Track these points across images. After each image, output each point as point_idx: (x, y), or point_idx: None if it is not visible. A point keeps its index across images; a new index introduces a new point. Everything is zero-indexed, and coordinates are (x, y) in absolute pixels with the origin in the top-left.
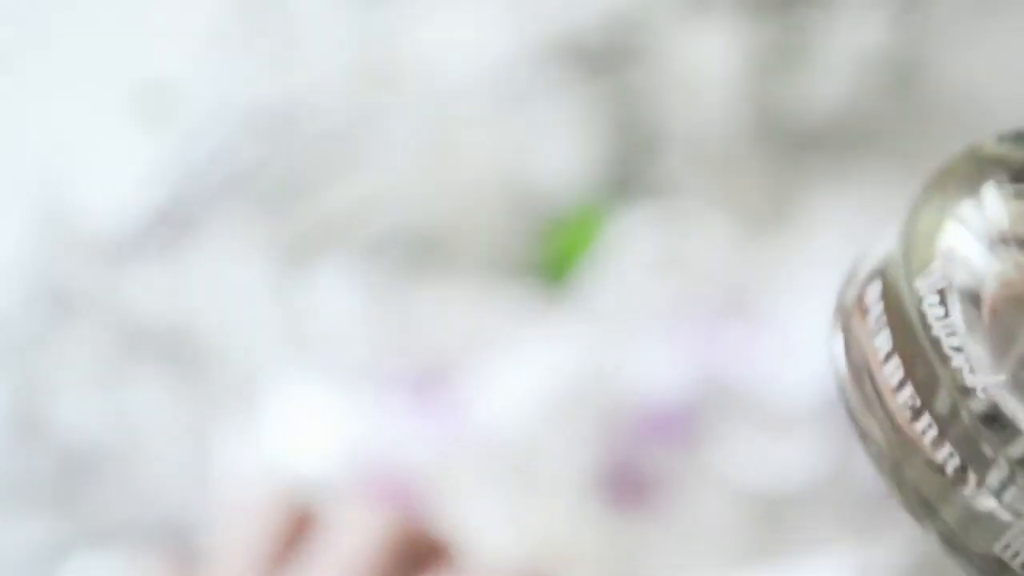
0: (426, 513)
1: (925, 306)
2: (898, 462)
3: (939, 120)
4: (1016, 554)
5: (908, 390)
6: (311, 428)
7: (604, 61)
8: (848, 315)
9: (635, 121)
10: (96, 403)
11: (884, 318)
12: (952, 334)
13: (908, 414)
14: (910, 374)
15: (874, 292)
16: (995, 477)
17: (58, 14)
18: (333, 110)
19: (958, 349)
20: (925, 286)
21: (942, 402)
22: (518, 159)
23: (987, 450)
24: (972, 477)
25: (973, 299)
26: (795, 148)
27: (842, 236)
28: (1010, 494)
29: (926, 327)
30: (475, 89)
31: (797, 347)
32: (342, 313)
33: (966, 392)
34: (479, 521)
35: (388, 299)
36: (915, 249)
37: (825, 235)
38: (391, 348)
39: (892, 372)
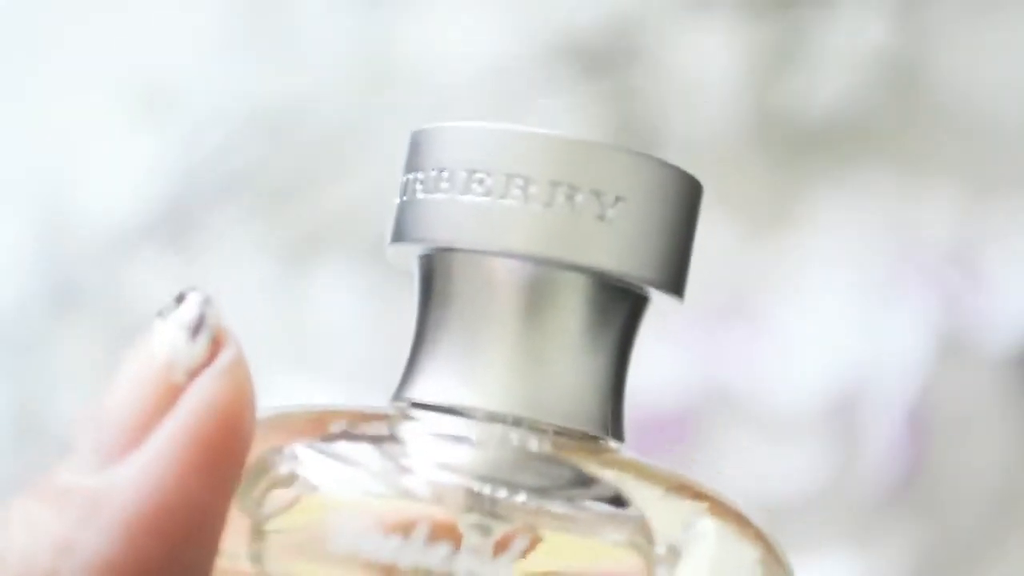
0: None
1: None
2: None
3: (939, 120)
4: None
5: None
6: None
7: (604, 61)
8: None
9: (635, 121)
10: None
11: None
12: None
13: None
14: None
15: None
16: None
17: (60, 14)
18: (333, 110)
19: None
20: None
21: None
22: None
23: None
24: None
25: None
26: (795, 148)
27: (842, 236)
28: None
29: None
30: (475, 89)
31: (797, 348)
32: (342, 313)
33: None
34: None
35: (388, 299)
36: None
37: (825, 235)
38: (391, 348)
39: None
